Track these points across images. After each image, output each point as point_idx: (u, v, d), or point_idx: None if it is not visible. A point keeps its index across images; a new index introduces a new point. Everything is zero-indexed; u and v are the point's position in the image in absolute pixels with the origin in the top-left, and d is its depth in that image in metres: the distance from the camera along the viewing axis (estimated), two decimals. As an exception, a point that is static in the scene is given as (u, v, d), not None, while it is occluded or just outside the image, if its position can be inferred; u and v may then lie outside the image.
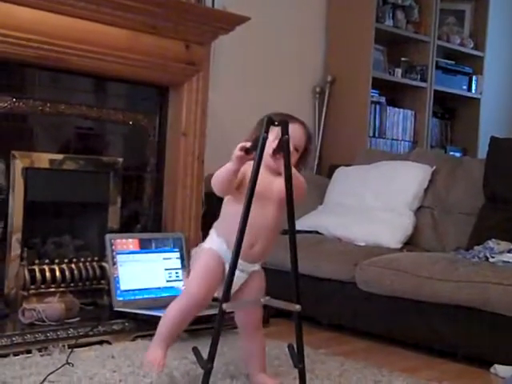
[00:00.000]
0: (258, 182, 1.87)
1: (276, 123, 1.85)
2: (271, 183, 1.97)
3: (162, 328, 2.06)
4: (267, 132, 1.84)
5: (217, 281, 2.01)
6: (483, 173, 3.29)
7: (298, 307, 1.89)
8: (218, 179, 1.96)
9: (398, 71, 4.52)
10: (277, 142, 1.89)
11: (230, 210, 1.99)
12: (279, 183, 1.93)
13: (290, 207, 1.87)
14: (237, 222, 1.85)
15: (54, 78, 2.91)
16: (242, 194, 1.88)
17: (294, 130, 1.97)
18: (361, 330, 2.94)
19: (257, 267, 2.08)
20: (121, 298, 2.76)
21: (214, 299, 2.05)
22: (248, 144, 1.88)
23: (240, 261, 1.93)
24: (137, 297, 2.81)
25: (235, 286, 2.02)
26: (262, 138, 1.83)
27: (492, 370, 2.50)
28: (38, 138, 2.89)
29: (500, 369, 2.46)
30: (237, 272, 1.95)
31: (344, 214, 3.46)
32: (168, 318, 2.05)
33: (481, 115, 5.04)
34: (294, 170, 1.91)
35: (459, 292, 2.61)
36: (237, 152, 1.89)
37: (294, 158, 1.96)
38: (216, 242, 2.04)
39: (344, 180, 3.70)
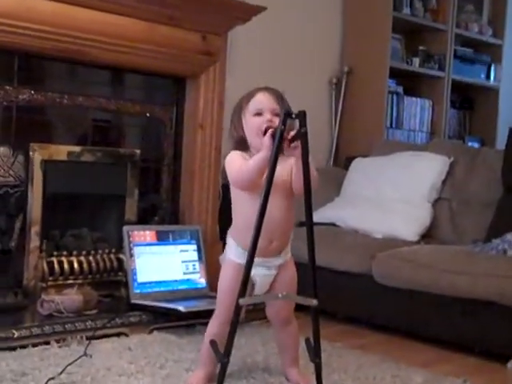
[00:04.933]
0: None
1: (293, 116, 1.83)
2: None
3: (202, 349, 2.08)
4: (285, 125, 1.82)
5: None
6: (502, 163, 3.26)
7: (315, 302, 1.88)
8: (253, 171, 1.89)
9: (416, 60, 4.48)
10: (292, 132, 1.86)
11: (239, 214, 2.02)
12: (280, 172, 1.90)
13: (308, 199, 1.85)
14: (247, 223, 1.87)
15: (72, 71, 2.92)
16: (250, 192, 1.92)
17: (258, 96, 2.00)
18: (377, 324, 2.93)
19: (287, 256, 2.06)
20: (138, 291, 2.77)
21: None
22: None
23: (264, 259, 1.95)
24: (154, 289, 2.82)
25: (266, 285, 2.04)
26: (279, 131, 1.82)
27: (509, 364, 2.48)
28: (57, 131, 2.90)
29: (517, 364, 2.46)
30: (265, 270, 1.98)
31: (361, 205, 3.44)
32: (207, 338, 2.04)
33: (499, 105, 4.98)
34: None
35: (476, 286, 2.60)
36: (270, 140, 1.85)
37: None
38: (233, 249, 2.03)
39: (361, 171, 3.68)
